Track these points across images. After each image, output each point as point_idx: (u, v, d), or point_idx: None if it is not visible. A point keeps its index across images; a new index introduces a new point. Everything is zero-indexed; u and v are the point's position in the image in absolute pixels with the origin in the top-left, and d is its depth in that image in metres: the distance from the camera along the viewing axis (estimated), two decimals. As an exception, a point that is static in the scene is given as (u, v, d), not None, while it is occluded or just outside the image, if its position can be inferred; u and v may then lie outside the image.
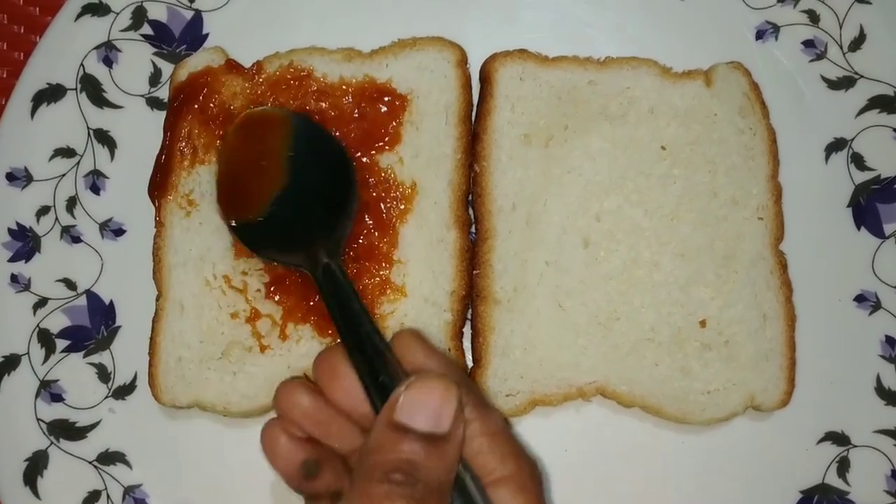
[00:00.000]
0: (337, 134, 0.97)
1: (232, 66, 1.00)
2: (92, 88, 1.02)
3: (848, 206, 1.02)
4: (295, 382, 0.74)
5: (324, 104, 0.98)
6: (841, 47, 1.02)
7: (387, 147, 0.98)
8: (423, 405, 0.65)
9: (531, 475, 0.68)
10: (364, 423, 0.73)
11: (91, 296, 1.00)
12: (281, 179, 0.90)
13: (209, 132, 0.98)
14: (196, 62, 1.00)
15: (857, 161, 1.02)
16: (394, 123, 0.98)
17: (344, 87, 0.98)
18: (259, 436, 0.74)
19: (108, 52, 1.03)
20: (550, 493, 0.97)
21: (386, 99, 0.99)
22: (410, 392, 0.66)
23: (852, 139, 1.02)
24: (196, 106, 0.98)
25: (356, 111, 0.98)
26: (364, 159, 0.97)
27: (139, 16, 1.03)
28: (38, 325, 0.99)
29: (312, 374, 0.75)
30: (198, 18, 1.04)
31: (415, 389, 0.66)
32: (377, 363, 0.71)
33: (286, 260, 0.90)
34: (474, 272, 0.97)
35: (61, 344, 0.99)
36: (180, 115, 0.99)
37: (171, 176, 0.98)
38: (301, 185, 0.90)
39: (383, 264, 0.96)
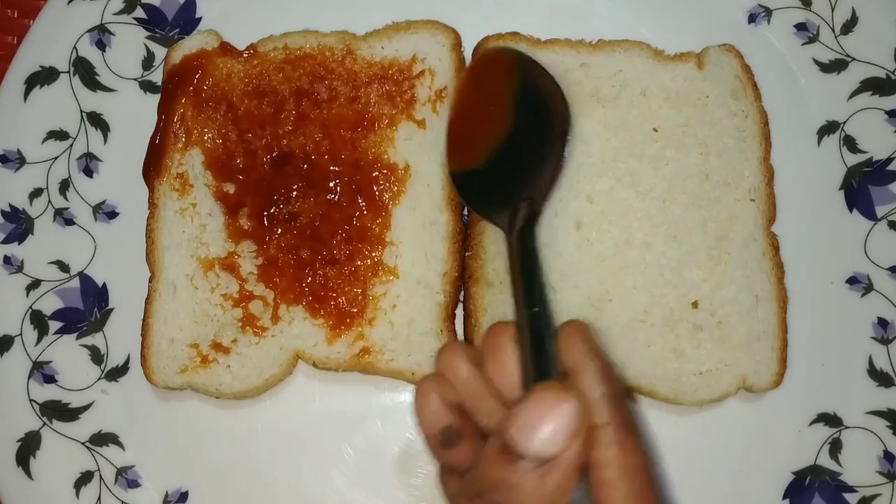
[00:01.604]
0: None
1: (226, 48, 1.00)
2: (85, 71, 1.02)
3: (840, 188, 1.02)
4: (458, 346, 0.69)
5: (317, 86, 0.98)
6: (833, 30, 1.03)
7: (381, 129, 0.98)
8: (532, 422, 0.58)
9: None
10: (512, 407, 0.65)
11: (84, 278, 1.00)
12: (504, 128, 0.83)
13: (203, 114, 0.98)
14: (190, 45, 1.00)
15: (850, 144, 1.02)
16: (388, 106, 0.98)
17: (338, 69, 0.99)
18: (413, 395, 0.69)
19: (101, 36, 1.03)
20: None
21: (380, 81, 0.99)
22: (525, 405, 0.59)
23: (844, 122, 1.02)
24: (190, 88, 0.99)
25: (350, 93, 0.98)
26: (358, 142, 0.97)
27: (132, -1, 1.03)
28: (30, 307, 0.99)
29: (481, 344, 0.70)
30: (191, 2, 1.04)
31: (530, 403, 0.58)
32: (540, 350, 0.64)
33: (490, 215, 0.84)
34: (466, 254, 0.98)
35: (54, 325, 0.99)
36: (174, 97, 0.99)
37: (165, 157, 0.98)
38: (520, 137, 0.83)
39: (376, 246, 0.96)
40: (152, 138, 0.99)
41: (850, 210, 1.01)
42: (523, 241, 0.75)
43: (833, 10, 1.02)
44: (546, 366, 0.63)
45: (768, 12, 1.03)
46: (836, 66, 1.02)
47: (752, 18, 1.04)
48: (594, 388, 0.62)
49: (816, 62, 1.03)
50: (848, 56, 1.02)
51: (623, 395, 0.65)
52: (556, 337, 0.65)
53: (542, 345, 0.64)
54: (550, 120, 0.84)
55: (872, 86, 1.02)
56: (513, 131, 0.82)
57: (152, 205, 0.98)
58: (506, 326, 0.68)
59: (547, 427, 0.57)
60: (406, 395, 0.99)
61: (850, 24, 1.02)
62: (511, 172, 0.82)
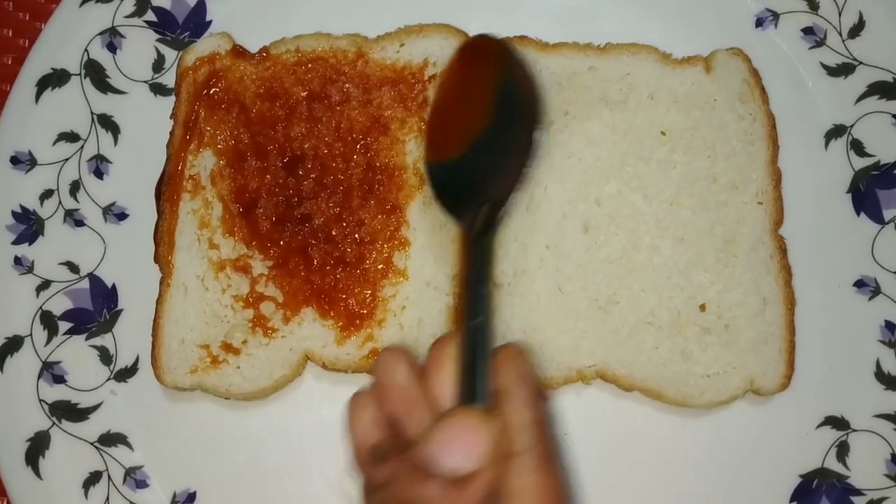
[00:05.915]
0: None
1: (238, 51, 1.01)
2: (96, 74, 1.03)
3: (847, 191, 1.02)
4: (399, 352, 0.68)
5: (330, 89, 0.98)
6: (840, 34, 1.03)
7: (393, 132, 0.98)
8: (447, 442, 0.58)
9: None
10: None
11: (93, 279, 1.01)
12: (482, 122, 0.80)
13: (216, 116, 0.99)
14: (203, 48, 1.00)
15: (857, 147, 1.02)
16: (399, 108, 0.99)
17: (350, 72, 0.99)
18: (347, 407, 0.70)
19: (112, 38, 1.04)
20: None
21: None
22: (443, 425, 0.59)
23: (852, 125, 1.02)
24: (203, 91, 0.99)
25: (362, 96, 0.98)
26: (370, 144, 0.98)
27: (143, 2, 1.04)
28: (40, 308, 1.00)
29: (427, 353, 0.69)
30: (201, 5, 1.05)
31: (447, 425, 0.59)
32: (475, 366, 0.64)
33: (456, 212, 0.81)
34: (475, 256, 0.98)
35: (64, 326, 1.00)
36: (187, 100, 0.99)
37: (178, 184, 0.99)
38: (496, 134, 0.79)
39: (385, 247, 0.96)
40: (163, 173, 1.00)
41: (858, 213, 1.01)
42: (479, 245, 0.72)
43: (840, 13, 1.03)
44: (479, 384, 0.63)
45: (775, 16, 1.04)
46: (843, 69, 1.03)
47: (759, 22, 1.04)
48: (519, 412, 0.62)
49: (824, 66, 1.03)
50: (855, 60, 1.03)
51: (548, 422, 0.65)
52: (492, 355, 0.65)
53: (477, 361, 0.64)
54: (527, 120, 0.81)
55: (880, 89, 1.02)
56: (490, 127, 0.79)
57: (161, 210, 0.99)
58: (449, 340, 0.67)
59: (461, 448, 0.58)
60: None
61: (857, 28, 1.02)
62: (482, 169, 0.79)
